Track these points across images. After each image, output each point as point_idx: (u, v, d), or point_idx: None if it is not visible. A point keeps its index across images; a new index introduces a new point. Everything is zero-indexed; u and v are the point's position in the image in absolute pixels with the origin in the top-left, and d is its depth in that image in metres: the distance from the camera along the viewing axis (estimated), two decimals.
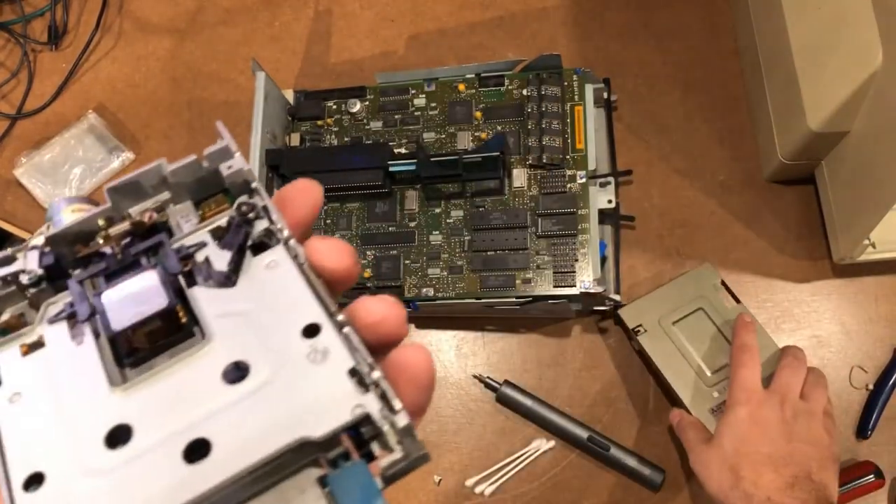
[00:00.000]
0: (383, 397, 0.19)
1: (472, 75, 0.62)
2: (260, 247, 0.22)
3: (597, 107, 0.61)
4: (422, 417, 0.22)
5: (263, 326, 0.20)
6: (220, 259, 0.22)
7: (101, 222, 0.22)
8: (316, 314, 0.20)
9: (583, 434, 0.59)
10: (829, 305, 0.62)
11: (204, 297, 0.21)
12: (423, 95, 0.62)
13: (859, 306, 0.62)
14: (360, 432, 0.19)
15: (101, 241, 0.22)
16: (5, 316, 0.22)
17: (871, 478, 0.57)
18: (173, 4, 0.75)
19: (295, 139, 0.63)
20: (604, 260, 0.58)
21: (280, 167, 0.59)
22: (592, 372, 0.61)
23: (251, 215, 0.22)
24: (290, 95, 0.65)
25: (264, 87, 0.60)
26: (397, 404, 0.18)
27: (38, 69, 0.74)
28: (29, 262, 0.22)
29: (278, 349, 0.20)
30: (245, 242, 0.22)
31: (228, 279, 0.22)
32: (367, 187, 0.58)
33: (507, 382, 0.61)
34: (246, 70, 0.63)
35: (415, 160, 0.57)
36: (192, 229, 0.23)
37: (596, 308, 0.60)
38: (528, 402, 0.60)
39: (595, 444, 0.58)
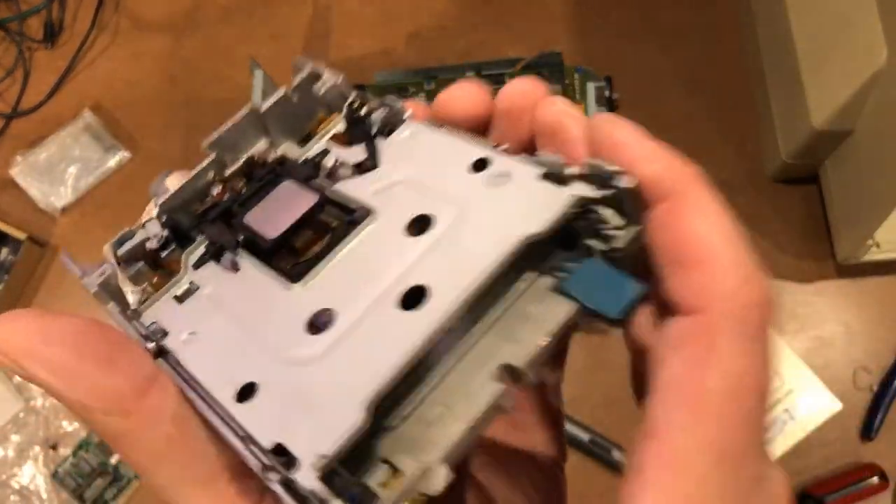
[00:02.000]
0: (584, 179, 0.17)
1: (473, 73, 0.61)
2: (386, 134, 0.21)
3: (598, 105, 0.61)
4: None
5: (426, 183, 0.19)
6: (352, 154, 0.21)
7: (210, 175, 0.21)
8: (479, 151, 0.18)
9: (585, 437, 0.58)
10: (832, 306, 0.62)
11: (350, 188, 0.20)
12: (423, 94, 0.62)
13: (863, 307, 0.61)
14: (573, 234, 0.17)
15: (218, 190, 0.21)
16: (146, 286, 0.21)
17: (875, 480, 0.57)
18: (170, 2, 0.74)
19: None
20: None
21: None
22: (595, 374, 0.61)
23: (365, 109, 0.21)
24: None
25: (262, 85, 0.59)
26: (613, 167, 0.16)
27: (33, 67, 0.73)
28: (150, 231, 0.21)
29: (454, 192, 0.18)
30: (370, 129, 0.21)
31: (369, 163, 0.20)
32: None
33: None
34: (244, 68, 0.62)
35: None
36: (312, 144, 0.22)
37: None
38: None
39: (597, 446, 0.58)
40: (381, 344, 0.16)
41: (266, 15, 0.73)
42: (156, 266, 0.21)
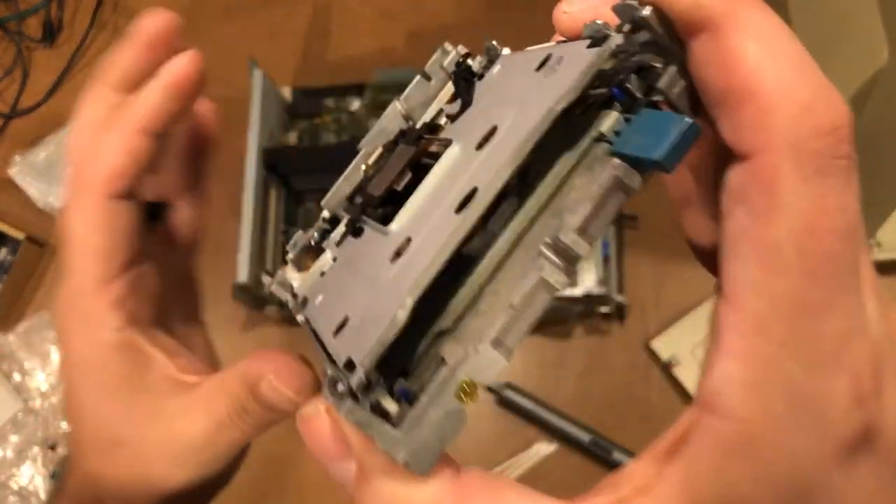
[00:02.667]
0: (622, 31, 0.16)
1: None
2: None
3: None
4: None
5: (501, 101, 0.19)
6: (457, 106, 0.23)
7: (362, 169, 0.24)
8: (546, 49, 0.19)
9: (585, 437, 0.58)
10: None
11: (449, 132, 0.22)
12: None
13: None
14: (628, 93, 0.16)
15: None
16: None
17: None
18: (170, 1, 0.74)
19: (292, 138, 0.62)
20: (606, 260, 0.58)
21: (277, 166, 0.59)
22: (595, 374, 0.61)
23: (469, 63, 0.23)
24: (287, 93, 0.64)
25: (261, 85, 0.59)
26: (634, 2, 0.15)
27: (32, 67, 0.73)
28: (314, 230, 0.24)
29: (517, 96, 0.18)
30: (468, 76, 0.23)
31: (464, 105, 0.22)
32: None
33: (508, 385, 0.60)
34: (243, 68, 0.62)
35: None
36: (430, 110, 0.24)
37: (598, 309, 0.59)
38: (529, 404, 0.59)
39: (597, 447, 0.58)
40: (431, 250, 0.16)
41: (266, 14, 0.73)
42: (319, 251, 0.24)
